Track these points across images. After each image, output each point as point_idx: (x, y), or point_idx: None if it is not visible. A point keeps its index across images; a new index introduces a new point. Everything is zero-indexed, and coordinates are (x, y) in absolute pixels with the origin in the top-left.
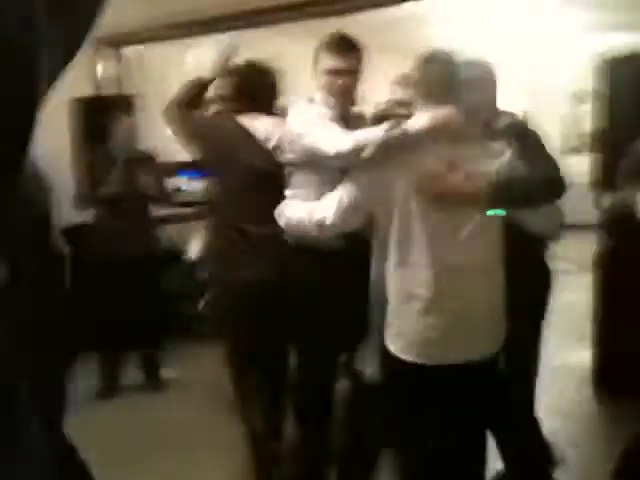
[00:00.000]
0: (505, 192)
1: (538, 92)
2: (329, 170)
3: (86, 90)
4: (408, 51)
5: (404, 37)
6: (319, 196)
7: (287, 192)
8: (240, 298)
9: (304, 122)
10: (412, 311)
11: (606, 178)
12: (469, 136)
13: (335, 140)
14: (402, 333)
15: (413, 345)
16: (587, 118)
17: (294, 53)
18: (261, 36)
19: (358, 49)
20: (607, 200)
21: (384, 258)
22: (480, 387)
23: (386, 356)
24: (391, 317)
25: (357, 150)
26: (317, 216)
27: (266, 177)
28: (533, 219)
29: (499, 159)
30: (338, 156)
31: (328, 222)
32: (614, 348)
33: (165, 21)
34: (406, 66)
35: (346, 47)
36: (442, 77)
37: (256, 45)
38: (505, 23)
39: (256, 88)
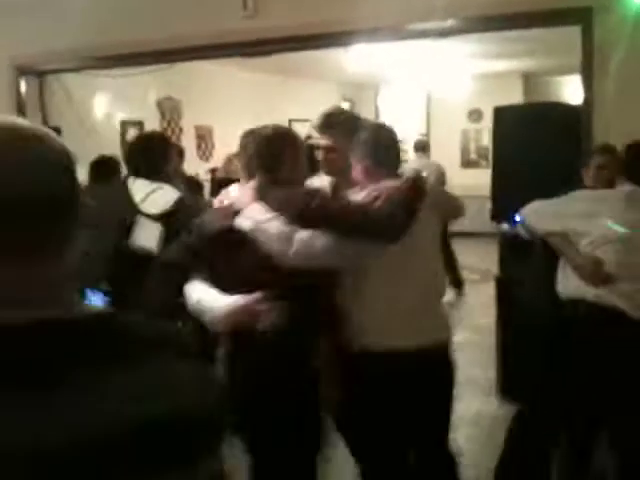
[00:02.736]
0: None
1: (438, 112)
2: None
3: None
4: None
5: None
6: None
7: None
8: None
9: None
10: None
11: (495, 194)
12: None
13: None
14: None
15: None
16: (484, 134)
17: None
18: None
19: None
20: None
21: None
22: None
23: None
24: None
25: None
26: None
27: None
28: None
29: None
30: None
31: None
32: (512, 363)
33: (89, 53)
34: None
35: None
36: None
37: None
38: (401, 52)
39: None
